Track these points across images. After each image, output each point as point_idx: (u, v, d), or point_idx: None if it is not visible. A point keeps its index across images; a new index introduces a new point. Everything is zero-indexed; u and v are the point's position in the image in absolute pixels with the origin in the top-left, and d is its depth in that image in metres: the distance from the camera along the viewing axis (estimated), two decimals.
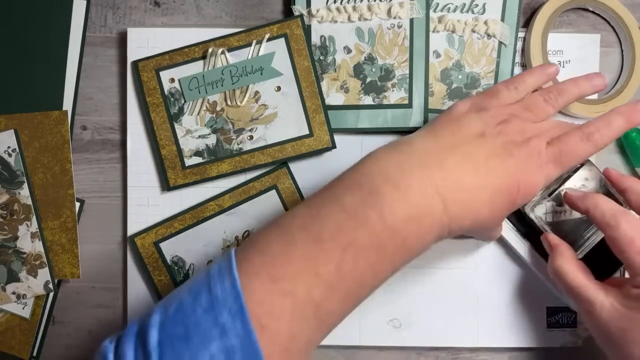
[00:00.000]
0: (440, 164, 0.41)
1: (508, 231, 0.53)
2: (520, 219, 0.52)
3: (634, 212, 0.47)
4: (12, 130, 0.54)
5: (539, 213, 0.51)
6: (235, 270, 0.37)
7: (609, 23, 0.55)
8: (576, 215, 0.50)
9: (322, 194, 0.41)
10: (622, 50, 0.55)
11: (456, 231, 0.41)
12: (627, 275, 0.52)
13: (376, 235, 0.38)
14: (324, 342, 0.54)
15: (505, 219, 0.52)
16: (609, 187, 0.49)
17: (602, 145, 0.45)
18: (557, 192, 0.50)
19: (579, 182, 0.50)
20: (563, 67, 0.55)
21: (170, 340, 0.35)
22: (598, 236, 0.49)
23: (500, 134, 0.43)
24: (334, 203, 0.40)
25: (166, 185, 0.54)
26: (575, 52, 0.55)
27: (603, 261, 0.49)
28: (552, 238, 0.49)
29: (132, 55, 0.54)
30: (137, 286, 0.55)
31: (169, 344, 0.35)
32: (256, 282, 0.37)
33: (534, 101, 0.47)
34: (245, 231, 0.54)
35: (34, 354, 0.55)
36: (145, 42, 0.54)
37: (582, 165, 0.49)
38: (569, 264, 0.47)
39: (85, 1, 0.55)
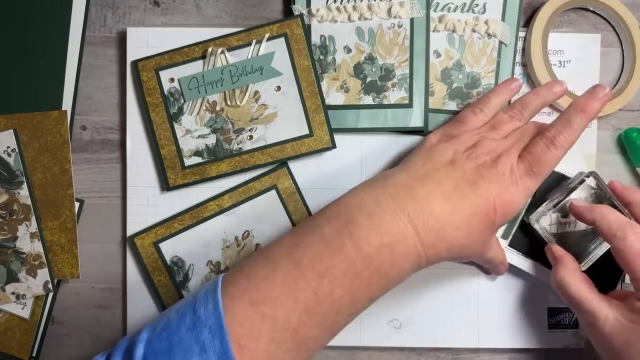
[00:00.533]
0: (412, 194, 0.43)
1: (511, 256, 0.53)
2: (525, 230, 0.52)
3: None
4: (12, 130, 0.54)
5: (544, 224, 0.51)
6: (219, 294, 0.40)
7: (609, 23, 0.55)
8: (581, 227, 0.50)
9: (306, 225, 0.44)
10: (622, 50, 0.55)
11: (434, 259, 0.43)
12: (624, 285, 0.52)
13: (351, 261, 0.40)
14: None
15: (507, 247, 0.53)
16: (614, 200, 0.49)
17: (569, 145, 0.45)
18: (562, 203, 0.49)
19: (584, 194, 0.50)
20: (563, 66, 0.55)
21: (154, 355, 0.38)
22: (603, 249, 0.49)
23: (470, 159, 0.45)
24: (315, 233, 0.42)
25: (166, 185, 0.54)
26: (576, 52, 0.55)
27: (606, 273, 0.49)
28: (557, 249, 0.49)
29: (132, 55, 0.54)
30: (136, 286, 0.55)
31: (152, 358, 0.38)
32: (239, 305, 0.39)
33: (500, 119, 0.49)
34: (245, 231, 0.54)
35: (34, 354, 0.55)
36: (145, 41, 0.54)
37: (587, 176, 0.49)
38: (572, 276, 0.47)
39: (85, 1, 0.55)
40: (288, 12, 0.55)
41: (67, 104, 0.55)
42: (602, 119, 0.55)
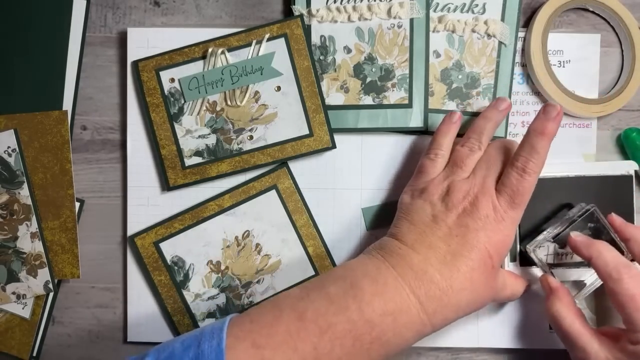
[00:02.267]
0: (408, 264, 0.44)
1: (527, 272, 0.53)
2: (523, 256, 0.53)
3: (637, 264, 0.47)
4: (12, 130, 0.54)
5: (541, 255, 0.51)
6: (224, 333, 0.41)
7: (609, 23, 0.55)
8: (578, 258, 0.50)
9: (314, 282, 0.45)
10: (622, 50, 0.55)
11: (442, 324, 0.44)
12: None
13: (353, 323, 0.42)
14: None
15: (520, 267, 0.53)
16: (612, 234, 0.49)
17: (540, 169, 0.46)
18: (560, 234, 0.50)
19: (583, 226, 0.50)
20: (563, 67, 0.55)
21: None
22: (598, 282, 0.49)
23: (449, 209, 0.46)
24: (322, 290, 0.43)
25: (166, 185, 0.54)
26: (576, 52, 0.55)
27: None
28: (552, 280, 0.49)
29: (132, 55, 0.54)
30: (137, 286, 0.55)
31: None
32: (242, 345, 0.41)
33: (460, 155, 0.49)
34: (245, 231, 0.54)
35: (34, 354, 0.55)
36: (145, 42, 0.54)
37: (587, 210, 0.49)
38: (567, 310, 0.47)
39: (85, 1, 0.55)
40: (288, 12, 0.55)
41: (67, 104, 0.55)
42: (602, 119, 0.55)
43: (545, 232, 0.51)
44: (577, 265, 0.51)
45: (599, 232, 0.49)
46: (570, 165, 0.53)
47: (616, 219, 0.49)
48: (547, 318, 0.49)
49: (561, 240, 0.50)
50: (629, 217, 0.53)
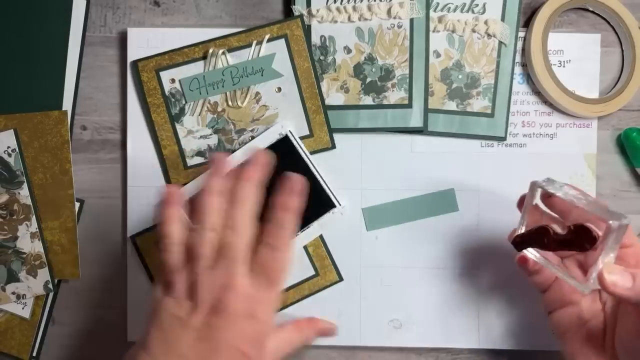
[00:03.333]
0: None
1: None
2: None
3: None
4: (12, 130, 0.54)
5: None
6: None
7: (609, 23, 0.55)
8: None
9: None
10: (622, 50, 0.55)
11: None
12: None
13: None
14: (325, 342, 0.55)
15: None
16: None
17: (290, 241, 0.43)
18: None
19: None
20: (563, 66, 0.55)
21: None
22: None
23: (196, 311, 0.41)
24: None
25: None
26: (576, 52, 0.55)
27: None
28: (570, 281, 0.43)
29: (132, 55, 0.54)
30: (137, 286, 0.55)
31: None
32: None
33: (194, 242, 0.43)
34: None
35: (34, 354, 0.55)
36: (145, 42, 0.54)
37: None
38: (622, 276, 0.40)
39: (85, 1, 0.55)
40: (288, 12, 0.55)
41: (67, 104, 0.55)
42: (602, 119, 0.55)
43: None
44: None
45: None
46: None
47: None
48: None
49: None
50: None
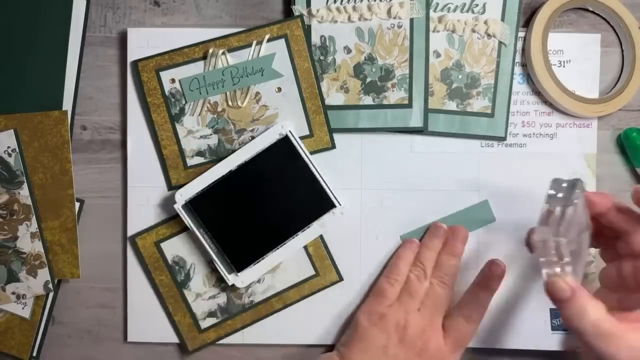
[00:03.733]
0: None
1: None
2: None
3: None
4: (12, 130, 0.54)
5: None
6: None
7: (609, 23, 0.55)
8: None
9: None
10: (622, 50, 0.55)
11: None
12: None
13: None
14: (325, 342, 0.54)
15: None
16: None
17: (481, 318, 0.52)
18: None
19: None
20: (563, 66, 0.55)
21: None
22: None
23: (403, 344, 0.50)
24: None
25: (168, 185, 0.54)
26: (576, 52, 0.55)
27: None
28: (570, 281, 0.40)
29: (132, 55, 0.54)
30: (137, 286, 0.55)
31: None
32: None
33: (413, 285, 0.52)
34: None
35: (34, 354, 0.55)
36: (145, 42, 0.54)
37: (573, 183, 0.43)
38: (592, 307, 0.40)
39: (85, 1, 0.55)
40: (288, 12, 0.55)
41: (67, 104, 0.55)
42: (603, 119, 0.55)
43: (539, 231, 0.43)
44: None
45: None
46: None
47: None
48: (566, 324, 0.41)
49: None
50: None
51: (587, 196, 0.44)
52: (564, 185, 0.43)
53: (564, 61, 0.55)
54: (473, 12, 0.54)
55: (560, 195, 0.42)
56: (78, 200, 0.55)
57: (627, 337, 0.38)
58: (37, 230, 0.54)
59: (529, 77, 0.55)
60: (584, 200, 0.43)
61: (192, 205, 0.53)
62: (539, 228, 0.41)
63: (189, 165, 0.54)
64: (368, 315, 0.52)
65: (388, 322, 0.51)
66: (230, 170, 0.53)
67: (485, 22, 0.54)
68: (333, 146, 0.54)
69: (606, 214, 0.45)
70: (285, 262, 0.55)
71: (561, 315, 0.40)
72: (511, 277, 0.54)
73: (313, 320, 0.55)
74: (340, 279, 0.55)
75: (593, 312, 0.39)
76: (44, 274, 0.54)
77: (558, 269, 0.40)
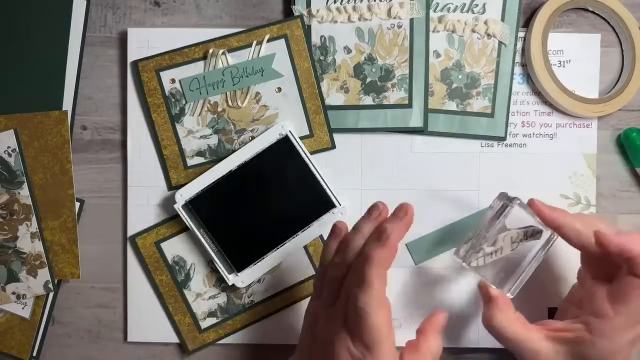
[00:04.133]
0: None
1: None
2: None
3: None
4: (12, 130, 0.54)
5: (472, 260, 0.50)
6: None
7: (609, 23, 0.55)
8: (507, 253, 0.50)
9: None
10: (622, 50, 0.55)
11: None
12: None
13: None
14: None
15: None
16: (543, 227, 0.49)
17: (377, 302, 0.41)
18: (488, 234, 0.49)
19: (510, 223, 0.49)
20: (563, 66, 0.55)
21: None
22: (529, 272, 0.49)
23: (316, 342, 0.44)
24: None
25: (168, 185, 0.54)
26: (576, 52, 0.55)
27: None
28: (493, 290, 0.48)
29: (132, 55, 0.54)
30: (137, 286, 0.55)
31: None
32: None
33: (326, 279, 0.45)
34: None
35: (34, 354, 0.55)
36: (145, 42, 0.54)
37: (510, 206, 0.49)
38: (507, 319, 0.46)
39: (85, 1, 0.55)
40: (288, 12, 0.55)
41: (67, 104, 0.55)
42: (602, 119, 0.55)
43: (471, 240, 0.50)
44: (508, 259, 0.50)
45: (519, 221, 0.49)
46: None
47: (538, 204, 0.48)
48: (486, 328, 0.47)
49: (490, 239, 0.49)
50: None
51: (537, 207, 0.48)
52: (499, 200, 0.50)
53: (564, 61, 0.55)
54: (473, 12, 0.54)
55: (494, 207, 0.50)
56: (78, 200, 0.55)
57: (531, 343, 0.45)
58: (37, 230, 0.54)
59: (529, 77, 0.55)
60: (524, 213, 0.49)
61: (192, 205, 0.53)
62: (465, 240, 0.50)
63: (189, 165, 0.54)
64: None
65: (306, 322, 0.46)
66: (230, 170, 0.53)
67: (485, 22, 0.54)
68: (333, 146, 0.54)
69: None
70: (285, 262, 0.55)
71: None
72: (509, 277, 0.54)
73: None
74: None
75: (500, 317, 0.46)
76: (44, 274, 0.54)
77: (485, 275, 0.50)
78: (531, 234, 0.49)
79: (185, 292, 0.55)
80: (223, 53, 0.53)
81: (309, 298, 0.48)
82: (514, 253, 0.50)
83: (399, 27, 0.54)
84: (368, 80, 0.54)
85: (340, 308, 0.42)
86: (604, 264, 0.45)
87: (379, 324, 0.40)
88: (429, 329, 0.45)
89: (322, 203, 0.53)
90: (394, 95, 0.54)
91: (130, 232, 0.55)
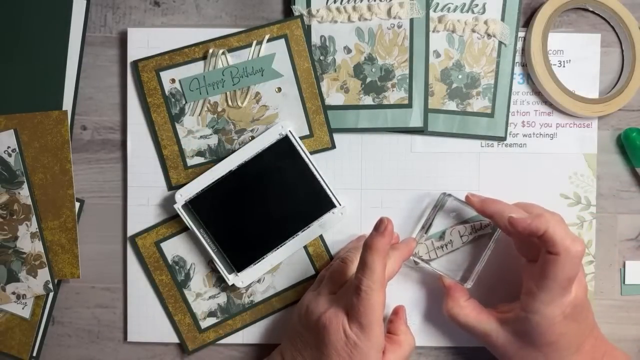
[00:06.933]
0: None
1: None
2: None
3: None
4: (12, 130, 0.54)
5: (421, 253, 0.53)
6: None
7: (609, 23, 0.55)
8: (457, 246, 0.53)
9: None
10: (622, 50, 0.55)
11: None
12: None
13: None
14: None
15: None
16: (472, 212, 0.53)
17: (378, 284, 0.44)
18: (429, 229, 0.53)
19: (447, 215, 0.53)
20: (563, 66, 0.55)
21: None
22: (482, 263, 0.52)
23: (305, 328, 0.48)
24: None
25: (168, 185, 0.54)
26: (576, 52, 0.55)
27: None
28: (446, 280, 0.52)
29: (132, 55, 0.54)
30: (137, 286, 0.55)
31: None
32: None
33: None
34: None
35: (34, 354, 0.55)
36: (145, 42, 0.54)
37: (442, 201, 0.53)
38: (458, 307, 0.51)
39: (85, 1, 0.55)
40: (288, 12, 0.55)
41: (67, 104, 0.55)
42: (602, 119, 0.55)
43: (418, 231, 0.54)
44: (461, 252, 0.53)
45: (460, 216, 0.54)
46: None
47: (472, 197, 0.51)
48: (445, 314, 0.52)
49: (437, 235, 0.54)
50: None
51: (469, 199, 0.52)
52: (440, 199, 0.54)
53: (564, 61, 0.55)
54: (473, 12, 0.54)
55: (434, 205, 0.54)
56: (78, 200, 0.55)
57: (481, 326, 0.49)
58: (37, 230, 0.54)
59: (529, 77, 0.55)
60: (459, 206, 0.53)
61: (192, 205, 0.53)
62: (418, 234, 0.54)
63: (189, 165, 0.54)
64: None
65: (295, 311, 0.51)
66: (230, 171, 0.53)
67: (485, 22, 0.54)
68: (333, 146, 0.54)
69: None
70: (285, 262, 0.55)
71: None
72: (509, 276, 0.54)
73: None
74: None
75: (451, 305, 0.51)
76: (44, 274, 0.54)
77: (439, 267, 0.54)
78: (480, 227, 0.53)
79: (185, 292, 0.55)
80: (223, 53, 0.53)
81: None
82: (472, 246, 0.53)
83: (399, 27, 0.54)
84: (368, 80, 0.54)
85: (343, 294, 0.47)
86: (529, 246, 0.48)
87: (376, 304, 0.44)
88: (399, 323, 0.51)
89: (322, 203, 0.53)
90: (394, 95, 0.54)
91: (130, 232, 0.55)
